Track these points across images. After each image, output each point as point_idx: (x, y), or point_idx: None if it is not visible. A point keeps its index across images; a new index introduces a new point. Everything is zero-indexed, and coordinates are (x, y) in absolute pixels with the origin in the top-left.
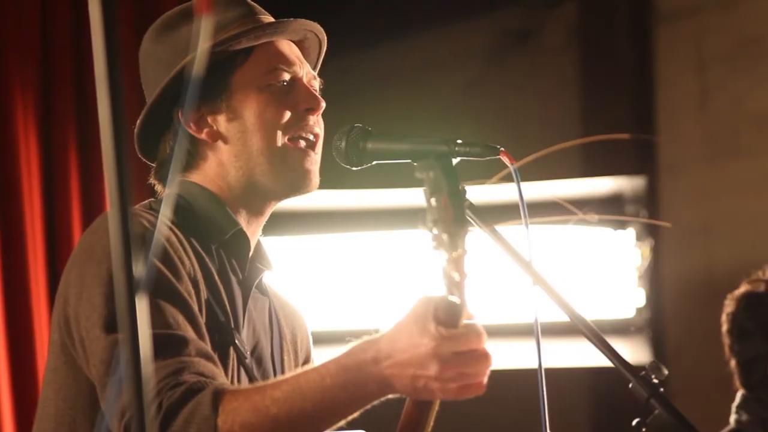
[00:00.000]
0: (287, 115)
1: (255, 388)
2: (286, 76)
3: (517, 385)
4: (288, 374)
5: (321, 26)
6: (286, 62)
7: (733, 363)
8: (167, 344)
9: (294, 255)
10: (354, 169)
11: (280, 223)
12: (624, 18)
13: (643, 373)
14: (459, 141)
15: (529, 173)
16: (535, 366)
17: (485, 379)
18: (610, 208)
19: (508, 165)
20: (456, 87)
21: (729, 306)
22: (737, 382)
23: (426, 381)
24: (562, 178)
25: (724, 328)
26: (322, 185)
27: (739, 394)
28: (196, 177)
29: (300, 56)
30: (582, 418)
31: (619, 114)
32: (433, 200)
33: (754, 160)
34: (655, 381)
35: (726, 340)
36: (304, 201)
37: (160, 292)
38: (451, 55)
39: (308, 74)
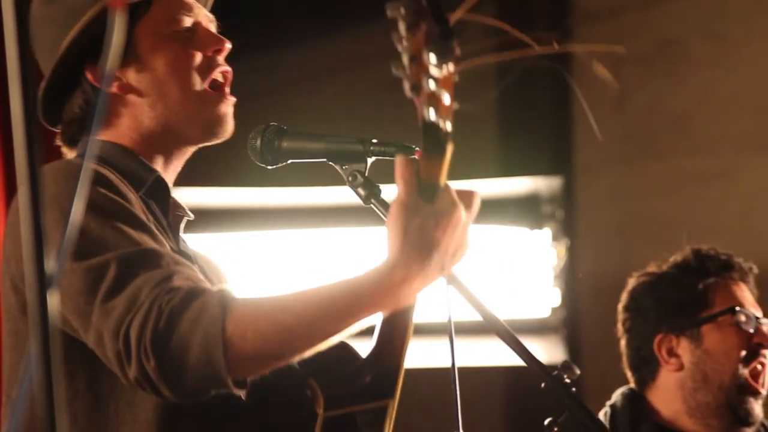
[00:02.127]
0: (198, 59)
1: (266, 299)
2: (188, 22)
3: (430, 384)
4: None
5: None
6: (186, 8)
7: (623, 342)
8: (144, 259)
9: (230, 251)
10: (269, 167)
11: (213, 219)
12: (543, 18)
13: (556, 372)
14: (374, 141)
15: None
16: (449, 365)
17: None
18: (526, 208)
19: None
20: (374, 86)
21: (630, 283)
22: (624, 362)
23: (432, 252)
24: (479, 177)
25: (621, 305)
26: (254, 183)
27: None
28: (106, 135)
29: (195, 1)
30: (495, 418)
31: (537, 113)
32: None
33: (671, 162)
34: (567, 381)
35: (620, 317)
36: (242, 198)
37: (119, 217)
38: (370, 53)
39: (205, 17)
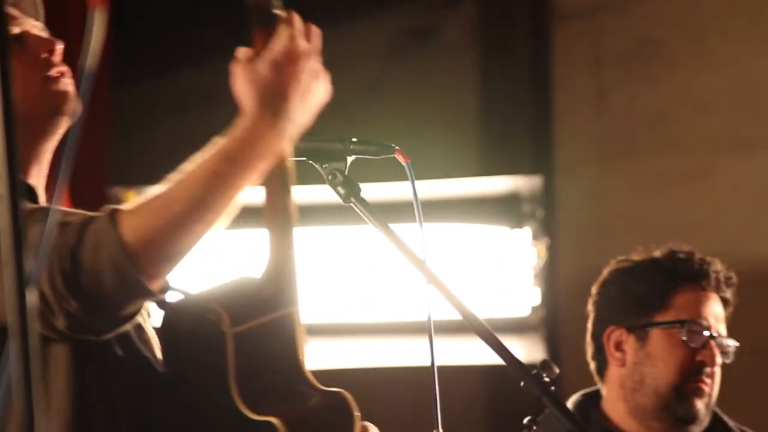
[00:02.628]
0: (30, 63)
1: (151, 197)
2: (15, 31)
3: (410, 383)
4: None
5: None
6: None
7: (588, 322)
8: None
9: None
10: None
11: None
12: (522, 17)
13: (535, 371)
14: (354, 139)
15: (424, 172)
16: (429, 364)
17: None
18: (506, 207)
19: (403, 163)
20: (354, 85)
21: (609, 265)
22: (588, 356)
23: (280, 97)
24: (459, 176)
25: (591, 300)
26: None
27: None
28: None
29: (21, 13)
30: (475, 417)
31: (517, 112)
32: None
33: (649, 160)
34: (547, 379)
35: (591, 295)
36: None
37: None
38: (350, 53)
39: (34, 26)
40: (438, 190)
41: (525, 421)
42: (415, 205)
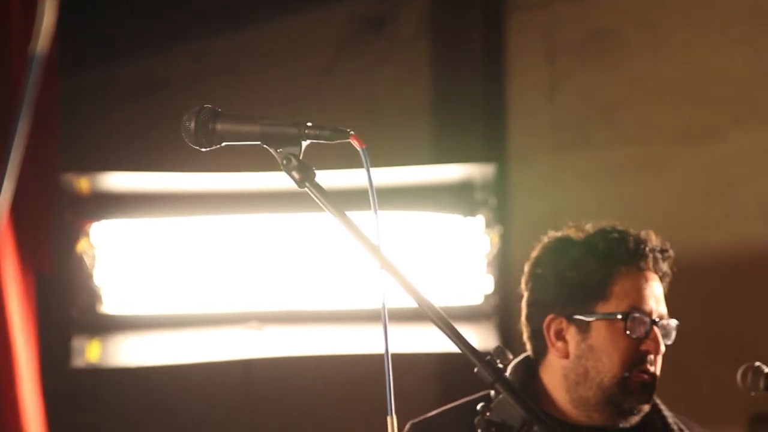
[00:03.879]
0: None
1: None
2: None
3: (364, 369)
4: None
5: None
6: None
7: (522, 301)
8: None
9: (139, 238)
10: (203, 150)
11: (145, 205)
12: (476, 6)
13: (488, 357)
14: (309, 124)
15: (378, 159)
16: (382, 351)
17: None
18: (459, 195)
19: (358, 148)
20: (309, 72)
21: (542, 241)
22: (521, 322)
23: None
24: (412, 164)
25: (524, 280)
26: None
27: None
28: None
29: None
30: (428, 403)
31: (471, 101)
32: None
33: (603, 150)
34: (500, 365)
35: (525, 272)
36: (156, 183)
37: None
38: (306, 40)
39: None
40: (391, 178)
41: (478, 407)
42: (370, 191)
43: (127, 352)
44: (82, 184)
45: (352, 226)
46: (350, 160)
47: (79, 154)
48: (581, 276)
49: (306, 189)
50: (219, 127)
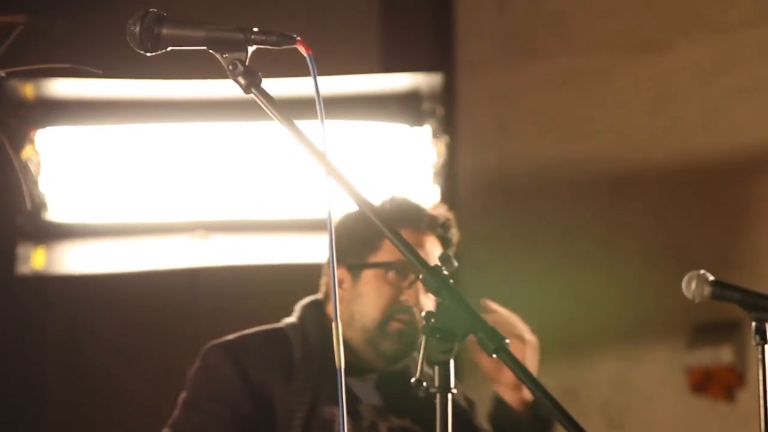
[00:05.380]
0: None
1: None
2: None
3: (310, 278)
4: None
5: None
6: None
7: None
8: None
9: (85, 145)
10: (148, 54)
11: (71, 111)
12: None
13: (434, 264)
14: (255, 29)
15: (324, 68)
16: (328, 259)
17: None
18: (407, 104)
19: (304, 54)
20: None
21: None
22: None
23: None
24: (359, 73)
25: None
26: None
27: None
28: None
29: None
30: None
31: (419, 9)
32: None
33: (550, 61)
34: (446, 272)
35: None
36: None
37: None
38: None
39: None
40: (338, 87)
41: (423, 313)
42: (316, 99)
43: (72, 260)
44: (27, 90)
45: (298, 133)
46: (297, 69)
47: (22, 59)
48: (362, 231)
49: (252, 95)
50: (164, 31)
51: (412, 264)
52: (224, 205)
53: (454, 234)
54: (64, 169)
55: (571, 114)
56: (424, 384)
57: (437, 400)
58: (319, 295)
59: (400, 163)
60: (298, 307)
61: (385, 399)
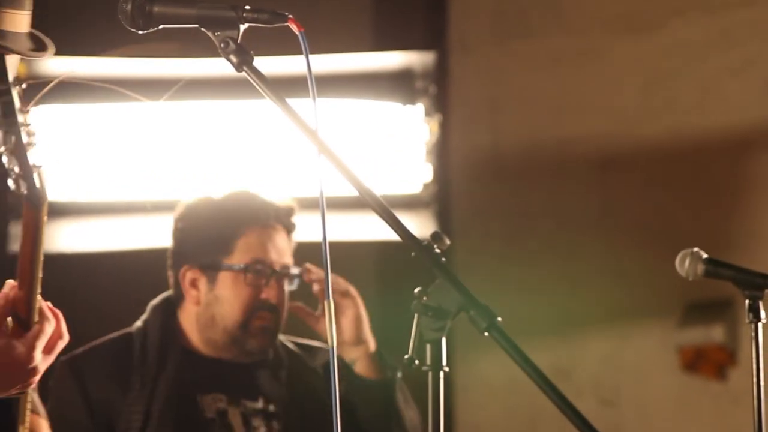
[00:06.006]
0: None
1: None
2: None
3: (302, 258)
4: None
5: None
6: None
7: (169, 265)
8: None
9: (74, 124)
10: (140, 33)
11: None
12: None
13: (426, 242)
14: (247, 7)
15: (317, 46)
16: (320, 239)
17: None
18: (399, 83)
19: (296, 32)
20: None
21: (182, 203)
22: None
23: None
24: (351, 51)
25: (171, 232)
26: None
27: None
28: None
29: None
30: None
31: None
32: None
33: (543, 40)
34: (438, 251)
35: (171, 241)
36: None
37: None
38: None
39: None
40: (330, 65)
41: (416, 291)
42: (308, 76)
43: (63, 239)
44: (19, 68)
45: (290, 112)
46: (289, 48)
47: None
48: (212, 232)
49: (244, 73)
50: (156, 9)
51: (405, 242)
52: (214, 183)
53: (294, 220)
54: (55, 147)
55: (564, 93)
56: (416, 361)
57: (430, 379)
58: (170, 292)
59: (392, 141)
60: (149, 307)
61: (238, 386)
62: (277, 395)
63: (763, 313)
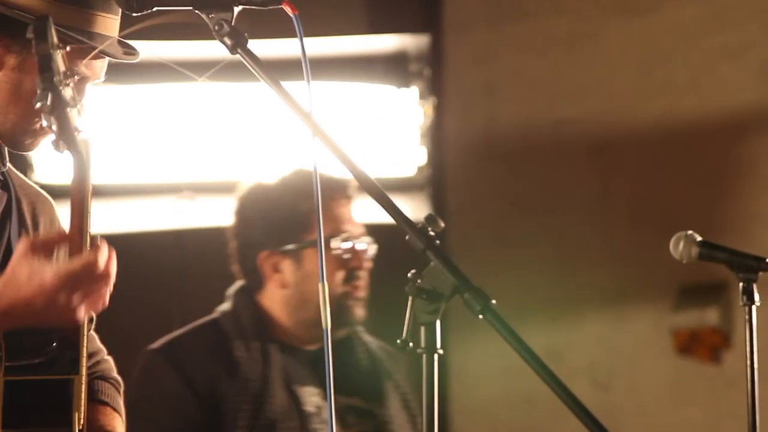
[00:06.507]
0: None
1: None
2: (78, 77)
3: None
4: None
5: None
6: (91, 69)
7: (233, 244)
8: None
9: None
10: (134, 15)
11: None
12: None
13: (420, 225)
14: None
15: (311, 29)
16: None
17: (106, 297)
18: (394, 66)
19: (291, 15)
20: None
21: (240, 189)
22: (233, 264)
23: (49, 309)
24: (345, 34)
25: (233, 225)
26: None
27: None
28: None
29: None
30: None
31: None
32: None
33: (537, 22)
34: (432, 233)
35: (231, 220)
36: None
37: None
38: None
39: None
40: (325, 48)
41: (410, 274)
42: (302, 59)
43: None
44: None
45: (285, 94)
46: (283, 30)
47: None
48: (284, 213)
49: (238, 55)
50: None
51: (399, 225)
52: (210, 166)
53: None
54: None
55: (559, 75)
56: (411, 344)
57: (424, 361)
58: (241, 283)
59: (386, 124)
60: (230, 292)
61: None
62: (370, 393)
63: (757, 296)
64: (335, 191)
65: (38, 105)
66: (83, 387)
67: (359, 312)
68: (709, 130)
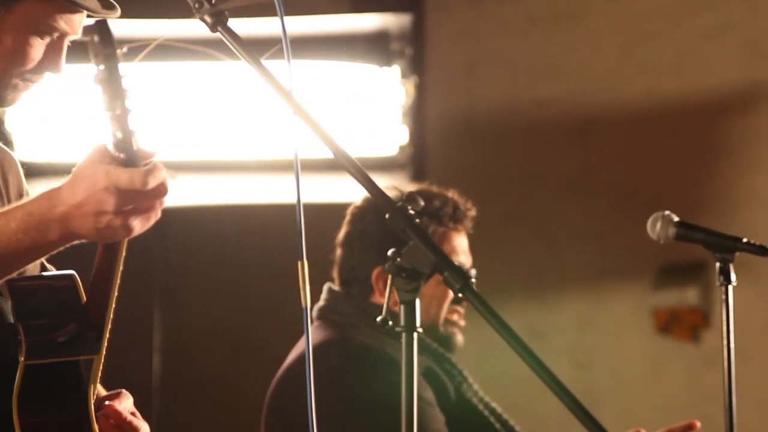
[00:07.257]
0: (31, 64)
1: None
2: (57, 33)
3: (277, 219)
4: None
5: None
6: (70, 24)
7: (339, 251)
8: None
9: (53, 84)
10: None
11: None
12: None
13: (400, 204)
14: None
15: (293, 8)
16: (294, 201)
17: (159, 210)
18: (375, 44)
19: None
20: None
21: (361, 199)
22: (335, 269)
23: (107, 219)
24: (327, 13)
25: (347, 217)
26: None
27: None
28: None
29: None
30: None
31: None
32: None
33: (520, 1)
34: (411, 212)
35: (344, 228)
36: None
37: None
38: None
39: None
40: (306, 27)
41: (390, 252)
42: (283, 38)
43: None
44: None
45: (266, 73)
46: (264, 9)
47: None
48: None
49: (218, 33)
50: None
51: (379, 204)
52: (192, 145)
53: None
54: (31, 108)
55: (541, 55)
56: (390, 323)
57: (403, 339)
58: (338, 288)
59: (368, 103)
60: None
61: None
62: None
63: (733, 276)
64: (459, 222)
65: (109, 114)
66: (101, 361)
67: (460, 339)
68: (691, 110)
